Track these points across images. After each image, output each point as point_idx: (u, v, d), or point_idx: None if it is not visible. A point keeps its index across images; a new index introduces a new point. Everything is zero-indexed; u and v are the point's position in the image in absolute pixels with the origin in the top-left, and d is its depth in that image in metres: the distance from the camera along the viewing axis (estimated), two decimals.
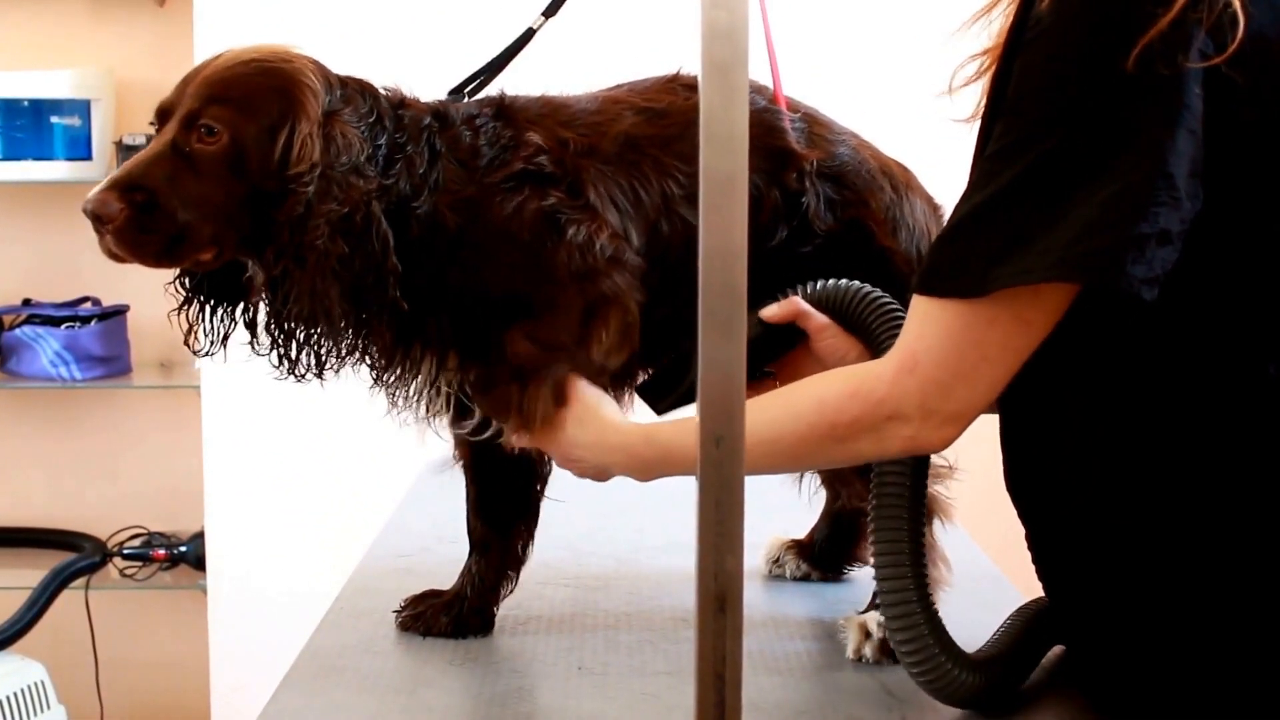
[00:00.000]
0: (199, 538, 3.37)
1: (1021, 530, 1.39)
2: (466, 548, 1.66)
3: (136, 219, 1.40)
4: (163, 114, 1.45)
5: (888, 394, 1.27)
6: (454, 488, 1.69)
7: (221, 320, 1.54)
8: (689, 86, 1.57)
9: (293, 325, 1.42)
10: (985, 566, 1.89)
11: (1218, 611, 1.23)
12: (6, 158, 3.40)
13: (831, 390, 1.31)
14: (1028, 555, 1.40)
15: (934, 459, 1.51)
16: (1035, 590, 1.45)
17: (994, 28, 1.36)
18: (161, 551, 3.43)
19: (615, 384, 1.54)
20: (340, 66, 1.51)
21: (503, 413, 1.49)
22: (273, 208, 1.41)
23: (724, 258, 0.94)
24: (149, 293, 3.49)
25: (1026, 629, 1.45)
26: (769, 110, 1.57)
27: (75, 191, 3.56)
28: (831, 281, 1.48)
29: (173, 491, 3.52)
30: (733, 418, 0.95)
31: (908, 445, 1.29)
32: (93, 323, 3.44)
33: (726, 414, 0.95)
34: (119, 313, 3.50)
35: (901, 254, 1.57)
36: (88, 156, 3.40)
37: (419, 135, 1.48)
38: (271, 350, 1.45)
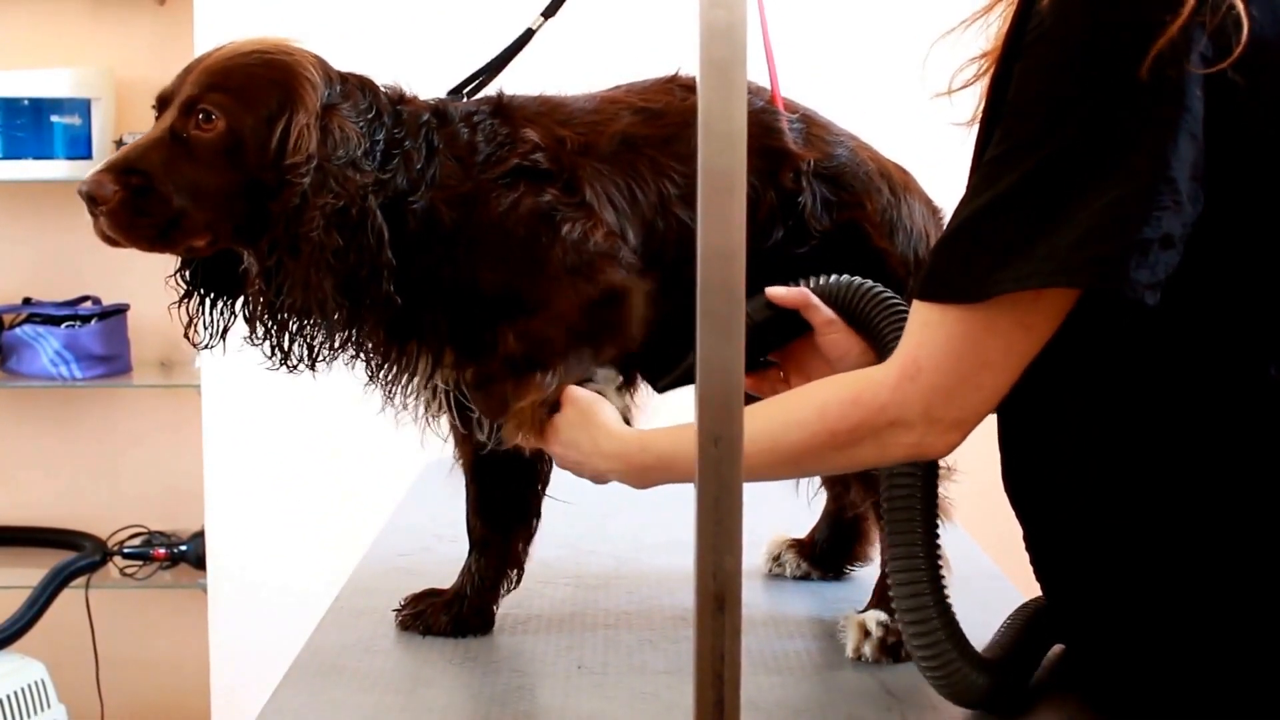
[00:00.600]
0: (199, 537, 3.36)
1: (1020, 530, 1.39)
2: (466, 547, 1.66)
3: (131, 202, 1.40)
4: (162, 102, 1.46)
5: (889, 400, 1.26)
6: (454, 487, 1.69)
7: (221, 313, 1.54)
8: (686, 87, 1.57)
9: (285, 316, 1.42)
10: (985, 566, 1.89)
11: (1217, 611, 1.23)
12: (6, 157, 3.40)
13: (833, 397, 1.30)
14: (1026, 554, 1.40)
15: None
16: (1035, 590, 1.45)
17: (991, 30, 1.35)
18: (162, 550, 3.43)
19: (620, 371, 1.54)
20: (340, 65, 1.51)
21: (498, 413, 1.49)
22: (269, 198, 1.41)
23: (722, 257, 0.94)
24: (149, 292, 3.50)
25: (1029, 628, 1.45)
26: (766, 110, 1.57)
27: (75, 191, 3.57)
28: (841, 277, 1.47)
29: (173, 491, 3.52)
30: (731, 417, 0.96)
31: (910, 452, 1.28)
32: (93, 322, 3.44)
33: (725, 414, 0.95)
34: (119, 312, 3.50)
35: (898, 256, 1.56)
36: (88, 156, 3.40)
37: (417, 131, 1.48)
38: (264, 341, 1.45)
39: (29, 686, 3.15)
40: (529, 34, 1.63)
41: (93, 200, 1.40)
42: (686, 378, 1.49)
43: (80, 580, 3.33)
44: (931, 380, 1.24)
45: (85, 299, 3.54)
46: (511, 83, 1.59)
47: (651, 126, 1.54)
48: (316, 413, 3.15)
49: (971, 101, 1.39)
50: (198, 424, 3.25)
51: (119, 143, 3.36)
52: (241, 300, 1.51)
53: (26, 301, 3.55)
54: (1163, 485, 1.24)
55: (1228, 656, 1.24)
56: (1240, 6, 1.15)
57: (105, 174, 1.40)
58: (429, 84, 1.58)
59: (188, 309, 1.53)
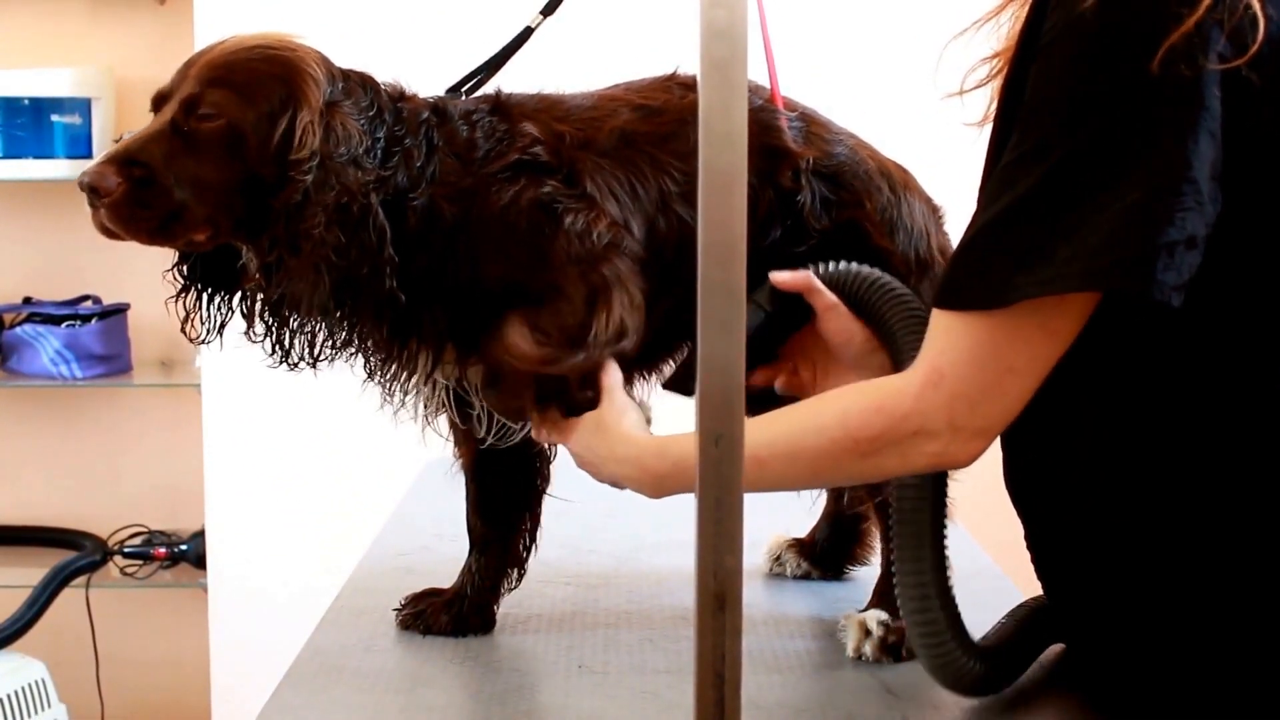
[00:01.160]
0: (199, 536, 3.37)
1: (1021, 529, 1.39)
2: (467, 546, 1.66)
3: (133, 194, 1.40)
4: (159, 99, 1.45)
5: (913, 409, 1.24)
6: (454, 486, 1.69)
7: (218, 308, 1.53)
8: (685, 85, 1.57)
9: (285, 312, 1.42)
10: (985, 565, 1.89)
11: (1218, 611, 1.23)
12: (7, 156, 3.40)
13: (855, 404, 1.28)
14: (1027, 553, 1.40)
15: None
16: (1035, 589, 1.45)
17: (1003, 30, 1.35)
18: (162, 550, 3.43)
19: (630, 374, 1.54)
20: (340, 64, 1.51)
21: (513, 415, 1.49)
22: (269, 194, 1.41)
23: (723, 256, 0.94)
24: (149, 291, 3.50)
25: (1027, 620, 1.45)
26: (765, 109, 1.57)
27: (75, 190, 3.56)
28: (844, 264, 1.46)
29: (173, 490, 3.52)
30: (732, 416, 0.95)
31: (934, 461, 1.27)
32: (93, 321, 3.44)
33: (726, 413, 0.95)
34: (119, 311, 3.50)
35: (899, 255, 1.56)
36: (88, 155, 3.40)
37: (417, 129, 1.48)
38: (265, 337, 1.45)
39: (29, 686, 3.15)
40: (528, 32, 1.63)
41: (95, 192, 1.39)
42: (685, 380, 1.48)
43: (80, 580, 3.33)
44: (955, 388, 1.23)
45: (85, 298, 3.54)
46: (511, 81, 1.59)
47: (650, 123, 1.53)
48: (317, 412, 3.15)
49: (980, 101, 1.39)
50: (198, 423, 3.25)
51: (119, 142, 3.36)
52: (240, 296, 1.51)
53: (27, 301, 3.55)
54: (1167, 485, 1.24)
55: (1229, 656, 1.24)
56: (1257, 5, 1.15)
57: (108, 165, 1.39)
58: (428, 82, 1.58)
59: (185, 304, 1.53)
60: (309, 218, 1.39)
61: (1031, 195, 1.18)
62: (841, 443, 1.28)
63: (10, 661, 3.16)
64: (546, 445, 1.64)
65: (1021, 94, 1.23)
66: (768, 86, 1.58)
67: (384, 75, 1.54)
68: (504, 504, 1.65)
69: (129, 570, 3.45)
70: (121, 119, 3.44)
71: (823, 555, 1.85)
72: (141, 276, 3.50)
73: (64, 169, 3.40)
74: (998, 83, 1.34)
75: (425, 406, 1.57)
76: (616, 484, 1.46)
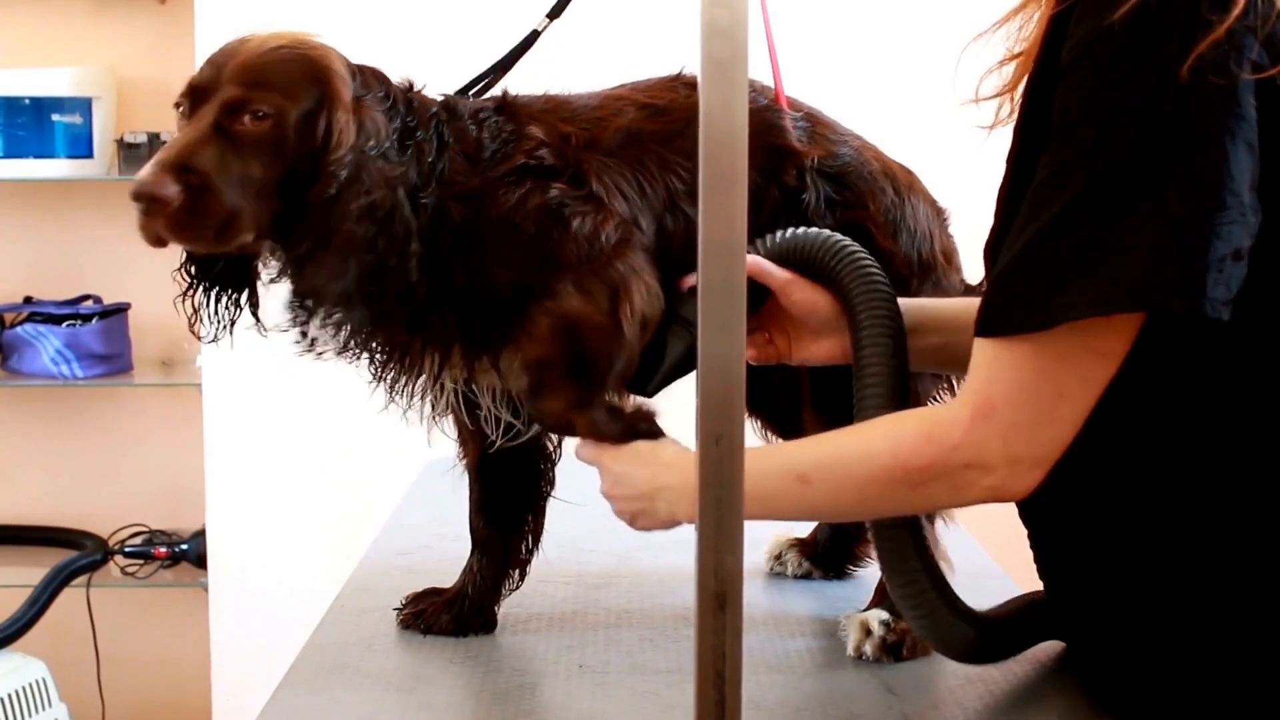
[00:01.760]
0: (200, 535, 3.37)
1: (1022, 527, 1.39)
2: (468, 546, 1.66)
3: (191, 202, 1.36)
4: (195, 93, 1.42)
5: (963, 441, 1.22)
6: (455, 485, 1.69)
7: (226, 306, 1.53)
8: (690, 85, 1.57)
9: (313, 304, 1.42)
10: (986, 565, 1.89)
11: (1220, 610, 1.23)
12: (8, 155, 3.40)
13: (906, 432, 1.26)
14: (1028, 553, 1.40)
15: None
16: (1035, 588, 1.45)
17: (1021, 32, 1.32)
18: (163, 549, 3.43)
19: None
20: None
21: (560, 427, 1.49)
22: (303, 189, 1.41)
23: (724, 255, 0.94)
24: (150, 291, 3.52)
25: (1030, 602, 1.45)
26: (770, 109, 1.57)
27: (76, 189, 3.58)
28: (793, 231, 1.46)
29: (174, 489, 3.52)
30: (732, 416, 0.96)
31: (988, 494, 1.24)
32: (94, 321, 3.44)
33: (726, 412, 0.95)
34: (120, 310, 3.50)
35: (901, 256, 1.56)
36: (89, 154, 3.41)
37: (428, 122, 1.48)
38: (291, 328, 1.45)
39: (30, 685, 3.15)
40: (534, 35, 1.63)
41: (155, 201, 1.35)
42: (673, 374, 1.48)
43: (81, 579, 3.33)
44: (1008, 419, 1.20)
45: (86, 298, 3.54)
46: (517, 84, 1.59)
47: (656, 123, 1.53)
48: (318, 412, 3.15)
49: (991, 103, 1.37)
50: (199, 423, 3.25)
51: (120, 141, 3.37)
52: (248, 292, 1.51)
53: (27, 300, 3.55)
54: (1172, 487, 1.23)
55: (1231, 654, 1.24)
56: None
57: (164, 173, 1.36)
58: (433, 86, 1.58)
59: (192, 302, 1.52)
60: (341, 212, 1.40)
61: (1069, 212, 1.15)
62: (893, 470, 1.25)
63: (11, 661, 3.16)
64: (552, 449, 1.64)
65: (1044, 103, 1.21)
66: (772, 86, 1.58)
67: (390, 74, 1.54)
68: (507, 505, 1.65)
69: (130, 570, 3.45)
70: (122, 118, 3.44)
71: (824, 554, 1.85)
72: (142, 276, 3.52)
73: (65, 168, 3.40)
74: (1020, 90, 1.30)
75: (433, 408, 1.57)
76: (650, 521, 1.43)
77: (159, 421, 3.61)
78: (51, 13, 3.52)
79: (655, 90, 1.57)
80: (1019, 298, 1.18)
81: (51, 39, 3.52)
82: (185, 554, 3.43)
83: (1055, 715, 1.41)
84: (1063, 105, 1.18)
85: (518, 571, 1.66)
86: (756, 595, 1.77)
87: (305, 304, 1.42)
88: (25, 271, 3.60)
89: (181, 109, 1.43)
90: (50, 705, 3.19)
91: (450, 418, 1.60)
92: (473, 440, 1.64)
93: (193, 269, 1.52)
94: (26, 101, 3.40)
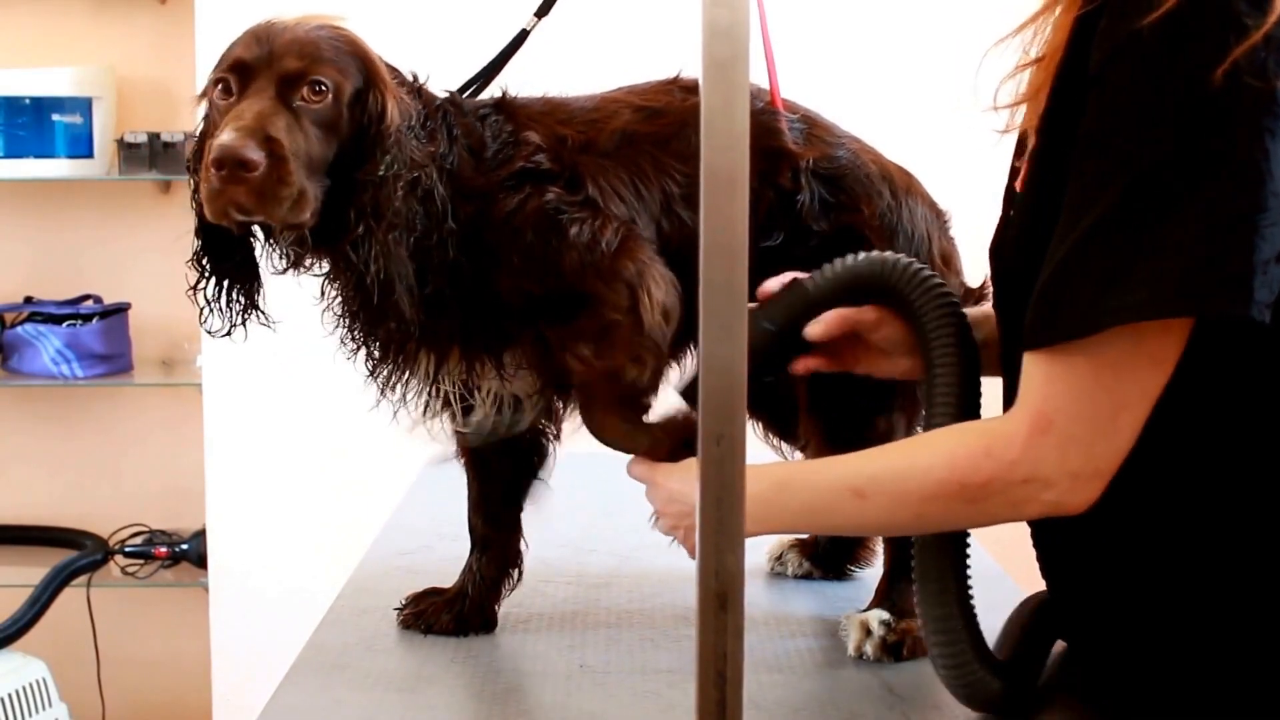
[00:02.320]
0: (200, 535, 3.37)
1: (1022, 528, 1.39)
2: (468, 546, 1.66)
3: (275, 170, 1.34)
4: (243, 69, 1.39)
5: (1021, 457, 1.20)
6: (455, 485, 1.69)
7: (236, 299, 1.52)
8: (686, 89, 1.57)
9: (371, 284, 1.40)
10: (987, 565, 1.89)
11: (1223, 610, 1.23)
12: (8, 155, 3.40)
13: (963, 447, 1.24)
14: (1029, 553, 1.40)
15: None
16: (1036, 588, 1.45)
17: (1040, 37, 1.30)
18: (163, 549, 3.43)
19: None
20: None
21: (614, 446, 1.49)
22: (352, 169, 1.41)
23: (724, 257, 0.94)
24: (150, 291, 3.53)
25: (1034, 626, 1.44)
26: (765, 111, 1.57)
27: (77, 189, 3.58)
28: (854, 257, 1.41)
29: (174, 489, 3.53)
30: (733, 416, 0.95)
31: (1048, 509, 1.22)
32: (94, 320, 3.44)
33: (727, 412, 0.95)
34: (120, 310, 3.50)
35: None
36: (89, 154, 3.41)
37: (436, 114, 1.49)
38: (347, 308, 1.45)
39: (30, 685, 3.15)
40: (523, 35, 1.63)
41: (241, 165, 1.32)
42: (760, 373, 1.47)
43: (81, 579, 3.33)
44: (1067, 432, 1.19)
45: (86, 298, 3.54)
46: (516, 87, 1.59)
47: (651, 125, 1.54)
48: (318, 411, 3.15)
49: (1004, 99, 1.36)
50: (199, 423, 3.25)
51: (120, 141, 3.37)
52: (257, 288, 1.50)
53: (28, 300, 3.55)
54: (1180, 489, 1.24)
55: (1233, 655, 1.24)
56: None
57: (248, 137, 1.32)
58: (428, 87, 1.57)
59: (204, 295, 1.51)
60: (391, 189, 1.40)
61: (1110, 218, 1.14)
62: (949, 484, 1.24)
63: (11, 661, 3.16)
64: (551, 446, 1.64)
65: (1071, 106, 1.20)
66: (768, 89, 1.58)
67: None
68: (505, 504, 1.65)
69: (130, 569, 3.45)
70: (123, 118, 3.44)
71: (824, 555, 1.85)
72: (142, 276, 3.52)
73: (65, 168, 3.40)
74: (1038, 92, 1.28)
75: (426, 409, 1.56)
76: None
77: (159, 421, 3.61)
78: (52, 13, 3.53)
79: (651, 93, 1.57)
80: (1064, 305, 1.17)
81: (52, 39, 3.52)
82: (185, 554, 3.43)
83: (1055, 715, 1.41)
84: (1097, 110, 1.17)
85: (517, 570, 1.66)
86: (757, 595, 1.77)
87: (365, 284, 1.41)
88: (25, 271, 3.60)
89: (222, 85, 1.40)
90: (50, 705, 3.19)
91: (444, 415, 1.59)
92: (466, 437, 1.63)
93: (205, 261, 1.50)
94: (27, 101, 3.40)
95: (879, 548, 1.78)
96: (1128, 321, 1.14)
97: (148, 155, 3.34)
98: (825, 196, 1.56)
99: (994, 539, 1.90)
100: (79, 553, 3.37)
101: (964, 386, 1.35)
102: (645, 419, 1.48)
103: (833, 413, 1.58)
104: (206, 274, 1.50)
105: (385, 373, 1.52)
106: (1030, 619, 1.45)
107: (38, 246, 3.59)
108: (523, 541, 1.66)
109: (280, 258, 1.47)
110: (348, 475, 3.17)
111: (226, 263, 1.50)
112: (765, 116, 1.56)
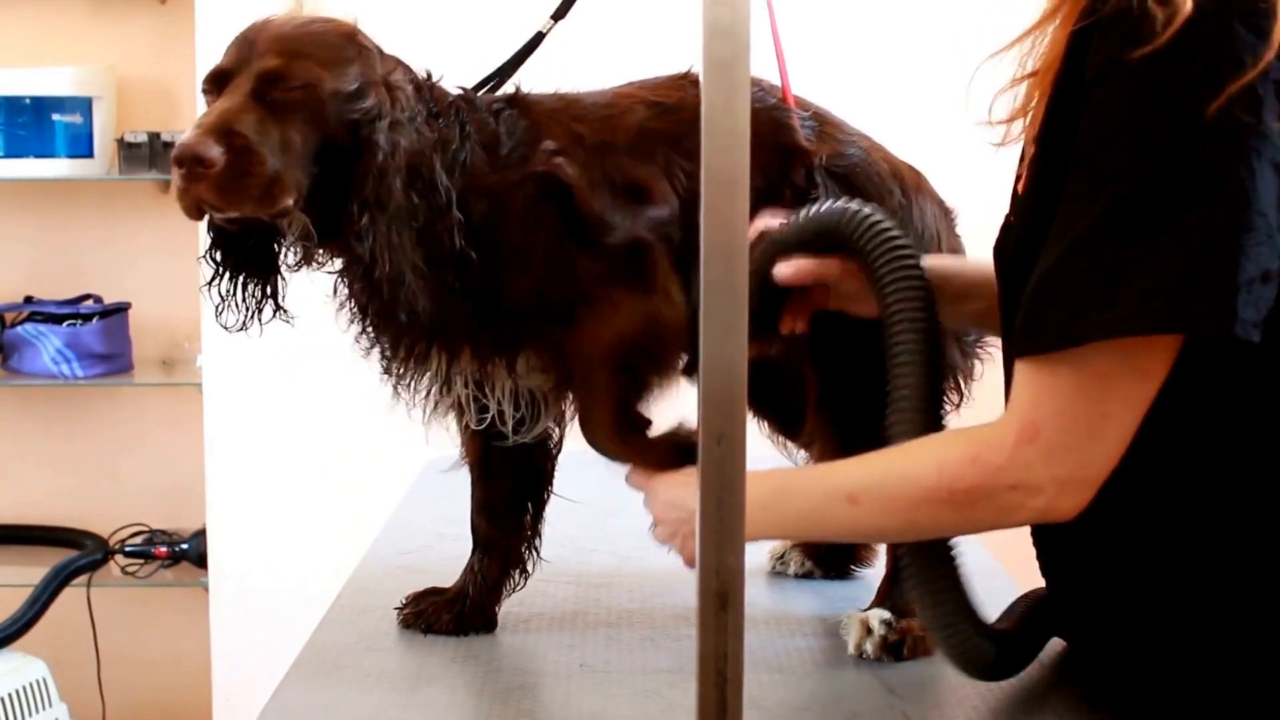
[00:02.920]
0: (200, 535, 3.37)
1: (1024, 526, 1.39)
2: (469, 545, 1.66)
3: (236, 163, 1.36)
4: (219, 77, 1.43)
5: (1008, 463, 1.21)
6: (456, 485, 1.69)
7: (251, 294, 1.53)
8: (698, 84, 1.57)
9: (378, 277, 1.41)
10: (987, 564, 1.89)
11: (1223, 610, 1.23)
12: (8, 155, 3.40)
13: (950, 454, 1.25)
14: (1028, 551, 1.40)
15: None
16: (1036, 585, 1.45)
17: (1036, 49, 1.30)
18: (163, 549, 3.43)
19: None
20: None
21: (610, 457, 1.50)
22: (346, 160, 1.42)
23: (725, 256, 0.94)
24: (151, 290, 3.53)
25: (1035, 607, 1.44)
26: (778, 108, 1.57)
27: (77, 189, 3.58)
28: (822, 206, 1.43)
29: (174, 489, 3.53)
30: (734, 416, 0.95)
31: (1037, 516, 1.23)
32: (94, 320, 3.44)
33: (728, 412, 0.95)
34: (120, 310, 3.50)
35: None
36: (89, 154, 3.41)
37: (449, 110, 1.49)
38: (354, 299, 1.46)
39: (30, 685, 3.15)
40: (539, 37, 1.63)
41: (199, 162, 1.35)
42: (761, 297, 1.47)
43: (82, 578, 3.33)
44: (1055, 441, 1.19)
45: (86, 297, 3.54)
46: (523, 85, 1.59)
47: (664, 121, 1.53)
48: (318, 411, 3.15)
49: (1000, 112, 1.36)
50: (199, 422, 3.25)
51: (120, 141, 3.37)
52: (272, 282, 1.51)
53: (28, 300, 3.55)
54: (1175, 492, 1.24)
55: (1233, 657, 1.24)
56: None
57: (206, 135, 1.36)
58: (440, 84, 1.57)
59: (219, 290, 1.51)
60: (390, 180, 1.40)
61: (1097, 231, 1.15)
62: (937, 491, 1.24)
63: (11, 660, 3.16)
64: (553, 447, 1.64)
65: (1067, 116, 1.20)
66: (780, 86, 1.58)
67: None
68: (509, 505, 1.65)
69: (130, 569, 3.45)
70: (123, 118, 3.44)
71: (825, 554, 1.85)
72: (142, 276, 3.52)
73: (65, 168, 3.40)
74: (1033, 102, 1.28)
75: (437, 406, 1.56)
76: (695, 543, 1.43)
77: (159, 421, 3.61)
78: (52, 12, 3.53)
79: (664, 89, 1.57)
80: (1050, 315, 1.18)
81: (52, 39, 3.52)
82: (185, 553, 3.43)
83: (1055, 715, 1.41)
84: (1089, 125, 1.17)
85: (519, 572, 1.66)
86: (758, 595, 1.77)
87: (373, 276, 1.41)
88: (26, 271, 3.60)
89: (208, 86, 1.43)
90: (50, 705, 3.20)
91: (454, 416, 1.60)
92: (474, 439, 1.64)
93: (218, 255, 1.51)
94: (27, 101, 3.40)
95: (880, 548, 1.78)
96: (1110, 337, 1.15)
97: (148, 155, 3.34)
98: (837, 194, 1.55)
99: (993, 537, 1.91)
100: (79, 552, 3.37)
101: (925, 342, 1.34)
102: (645, 433, 1.48)
103: (840, 411, 1.57)
104: (220, 270, 1.51)
105: (398, 370, 1.53)
106: (1034, 603, 1.45)
107: (38, 246, 3.59)
108: (528, 546, 1.66)
109: (292, 253, 1.47)
110: (348, 475, 3.17)
111: (239, 257, 1.51)
112: (777, 113, 1.56)
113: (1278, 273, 1.14)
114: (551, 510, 1.67)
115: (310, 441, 3.20)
